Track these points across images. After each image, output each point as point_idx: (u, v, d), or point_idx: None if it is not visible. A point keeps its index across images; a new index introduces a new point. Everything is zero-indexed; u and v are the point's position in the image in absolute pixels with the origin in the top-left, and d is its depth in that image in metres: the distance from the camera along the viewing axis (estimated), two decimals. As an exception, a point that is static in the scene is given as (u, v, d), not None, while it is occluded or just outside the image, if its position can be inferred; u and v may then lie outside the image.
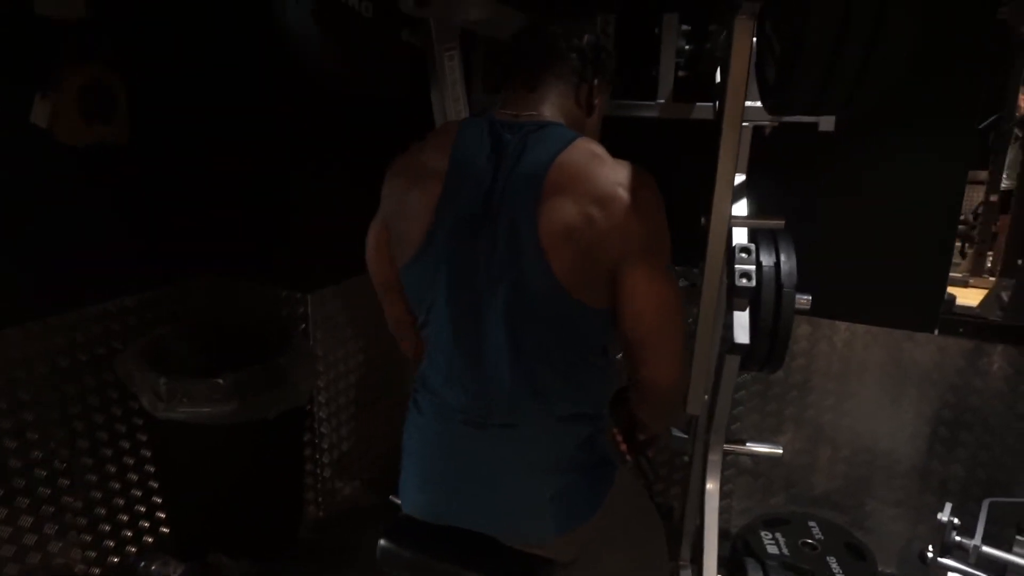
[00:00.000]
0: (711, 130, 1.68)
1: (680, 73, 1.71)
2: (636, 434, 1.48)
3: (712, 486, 1.75)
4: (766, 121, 1.65)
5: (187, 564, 1.93)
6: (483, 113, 1.23)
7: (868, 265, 2.12)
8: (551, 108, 1.21)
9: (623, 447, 1.49)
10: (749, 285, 1.57)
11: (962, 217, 4.20)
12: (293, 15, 1.30)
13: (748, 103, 1.63)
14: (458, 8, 1.45)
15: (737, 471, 2.45)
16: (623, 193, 1.09)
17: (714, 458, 1.77)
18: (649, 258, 1.11)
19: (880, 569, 2.18)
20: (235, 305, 2.47)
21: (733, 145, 1.33)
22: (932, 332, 2.11)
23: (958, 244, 4.51)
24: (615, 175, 1.10)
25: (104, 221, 2.14)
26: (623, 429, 1.48)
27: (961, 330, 2.08)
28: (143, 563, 1.92)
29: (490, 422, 1.19)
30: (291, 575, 2.11)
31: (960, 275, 4.44)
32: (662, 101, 1.71)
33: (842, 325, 2.21)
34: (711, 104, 1.73)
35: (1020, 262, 3.87)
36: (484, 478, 1.20)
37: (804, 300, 1.77)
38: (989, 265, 4.99)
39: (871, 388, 2.23)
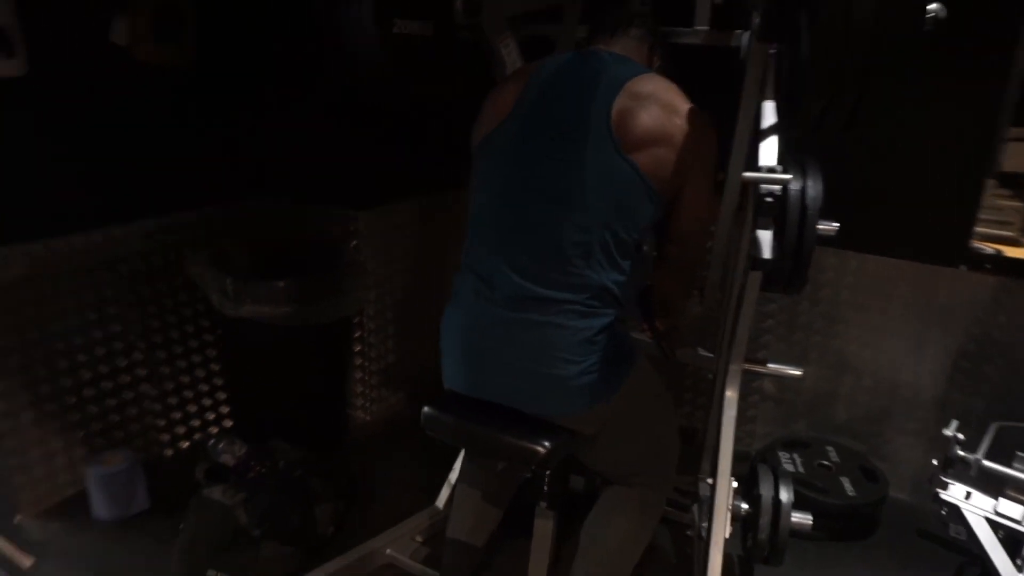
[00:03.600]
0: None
1: (716, 1, 1.76)
2: (657, 324, 1.63)
3: (731, 394, 1.86)
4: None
5: (250, 446, 2.15)
6: None
7: (898, 200, 2.17)
8: (625, 52, 1.46)
9: (647, 330, 1.65)
10: (773, 204, 1.66)
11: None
12: (361, 44, 1.42)
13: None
14: (503, 8, 1.59)
15: (761, 397, 2.57)
16: (695, 116, 1.36)
17: (734, 368, 1.87)
18: (707, 173, 1.42)
19: (893, 494, 2.29)
20: (291, 222, 2.64)
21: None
22: (959, 267, 2.16)
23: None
24: (687, 103, 1.37)
25: (174, 138, 2.32)
26: (647, 319, 1.63)
27: (988, 266, 2.12)
28: (211, 442, 2.15)
29: (525, 306, 1.33)
30: (341, 464, 2.31)
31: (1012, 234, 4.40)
32: (701, 28, 1.77)
33: (870, 258, 2.27)
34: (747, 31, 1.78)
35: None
36: (515, 356, 1.35)
37: (830, 227, 1.84)
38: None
39: (896, 321, 2.29)
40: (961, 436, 1.71)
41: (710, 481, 1.92)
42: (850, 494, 2.14)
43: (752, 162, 1.71)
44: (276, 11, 2.39)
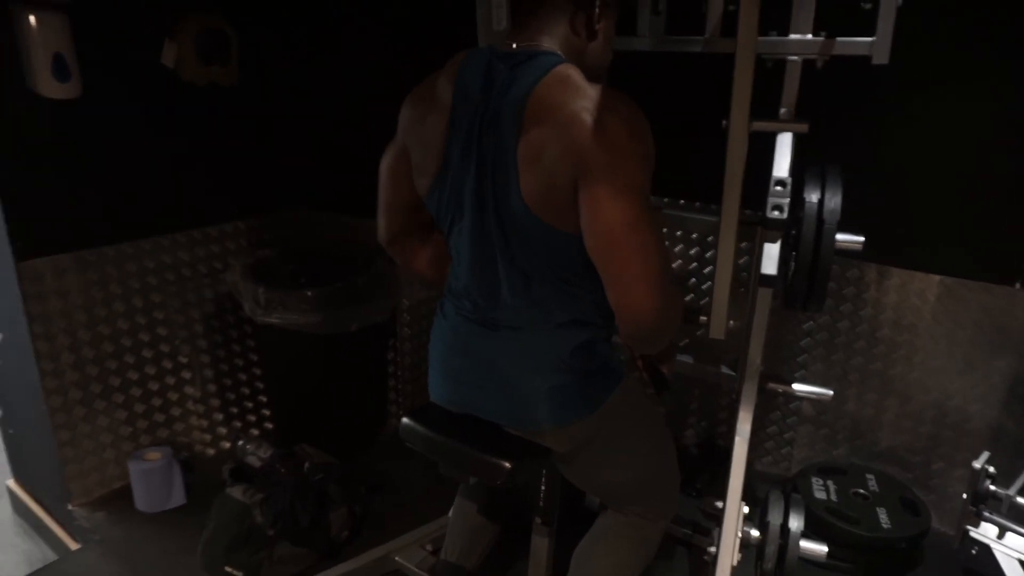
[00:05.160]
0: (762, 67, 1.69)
1: (730, 7, 1.70)
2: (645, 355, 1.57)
3: (744, 414, 1.79)
4: (814, 54, 1.63)
5: (276, 449, 2.24)
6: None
7: (943, 212, 2.02)
8: (548, 37, 1.25)
9: (638, 362, 1.58)
10: (780, 218, 1.59)
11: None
12: None
13: (795, 36, 1.65)
14: None
15: (800, 419, 2.44)
16: (586, 116, 1.12)
17: (748, 386, 1.80)
18: (609, 179, 1.11)
19: (941, 528, 2.13)
20: (331, 233, 2.75)
21: (748, 69, 1.33)
22: (1013, 286, 1.99)
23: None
24: (580, 99, 1.14)
25: (219, 153, 2.45)
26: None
27: (1046, 284, 1.95)
28: (240, 442, 2.26)
29: (499, 323, 1.33)
30: (365, 472, 2.36)
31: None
32: (707, 36, 1.72)
33: (914, 275, 2.12)
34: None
35: None
36: (493, 372, 1.35)
37: (854, 241, 1.74)
38: None
39: (944, 342, 2.14)
40: (992, 469, 1.57)
41: (718, 504, 1.86)
42: (884, 526, 2.00)
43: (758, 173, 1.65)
44: (317, 34, 2.51)
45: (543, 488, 1.66)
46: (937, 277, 2.09)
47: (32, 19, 1.90)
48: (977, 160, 1.95)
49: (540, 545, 1.72)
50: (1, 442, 2.61)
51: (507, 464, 1.29)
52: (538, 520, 1.70)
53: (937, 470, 2.23)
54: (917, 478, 2.26)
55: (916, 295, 2.14)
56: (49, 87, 1.95)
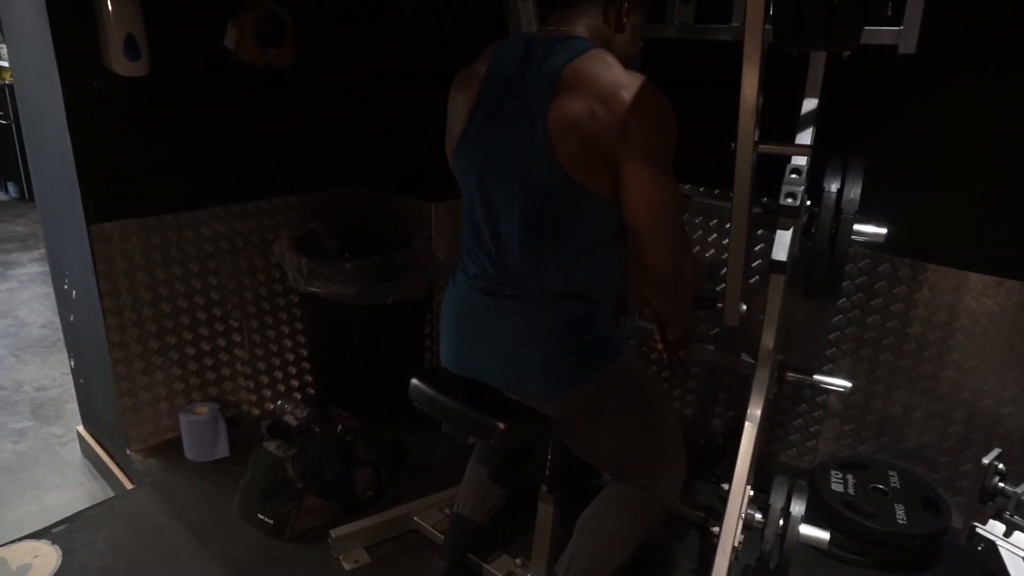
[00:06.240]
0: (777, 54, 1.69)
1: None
2: (668, 334, 1.63)
3: (756, 399, 1.81)
4: (840, 43, 1.62)
5: (311, 410, 2.39)
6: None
7: (982, 208, 1.98)
8: (580, 26, 1.36)
9: (659, 346, 1.65)
10: (793, 205, 1.61)
11: None
12: None
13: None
14: None
15: (826, 413, 2.43)
16: (625, 95, 1.22)
17: (761, 372, 1.82)
18: (651, 159, 1.24)
19: (959, 528, 2.09)
20: (375, 211, 2.87)
21: (755, 57, 1.33)
22: (1052, 285, 1.93)
23: None
24: (620, 79, 1.24)
25: (274, 131, 2.60)
26: (659, 329, 1.64)
27: (1085, 285, 1.89)
28: (280, 402, 2.41)
29: (501, 292, 1.41)
30: (394, 438, 2.48)
31: None
32: (736, 24, 1.74)
33: (949, 271, 2.08)
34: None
35: None
36: (494, 339, 1.43)
37: (876, 233, 1.74)
38: None
39: (978, 342, 2.09)
40: (1001, 466, 1.55)
41: (724, 486, 1.89)
42: (900, 522, 1.98)
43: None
44: (368, 18, 2.63)
45: (549, 458, 1.73)
46: (973, 275, 2.05)
47: (109, 2, 2.08)
48: (1019, 155, 1.90)
49: (545, 512, 1.79)
50: (74, 391, 2.86)
51: (501, 425, 1.37)
52: (544, 488, 1.77)
53: (965, 471, 2.18)
54: (944, 478, 2.22)
55: (950, 292, 2.10)
56: (121, 65, 2.13)
